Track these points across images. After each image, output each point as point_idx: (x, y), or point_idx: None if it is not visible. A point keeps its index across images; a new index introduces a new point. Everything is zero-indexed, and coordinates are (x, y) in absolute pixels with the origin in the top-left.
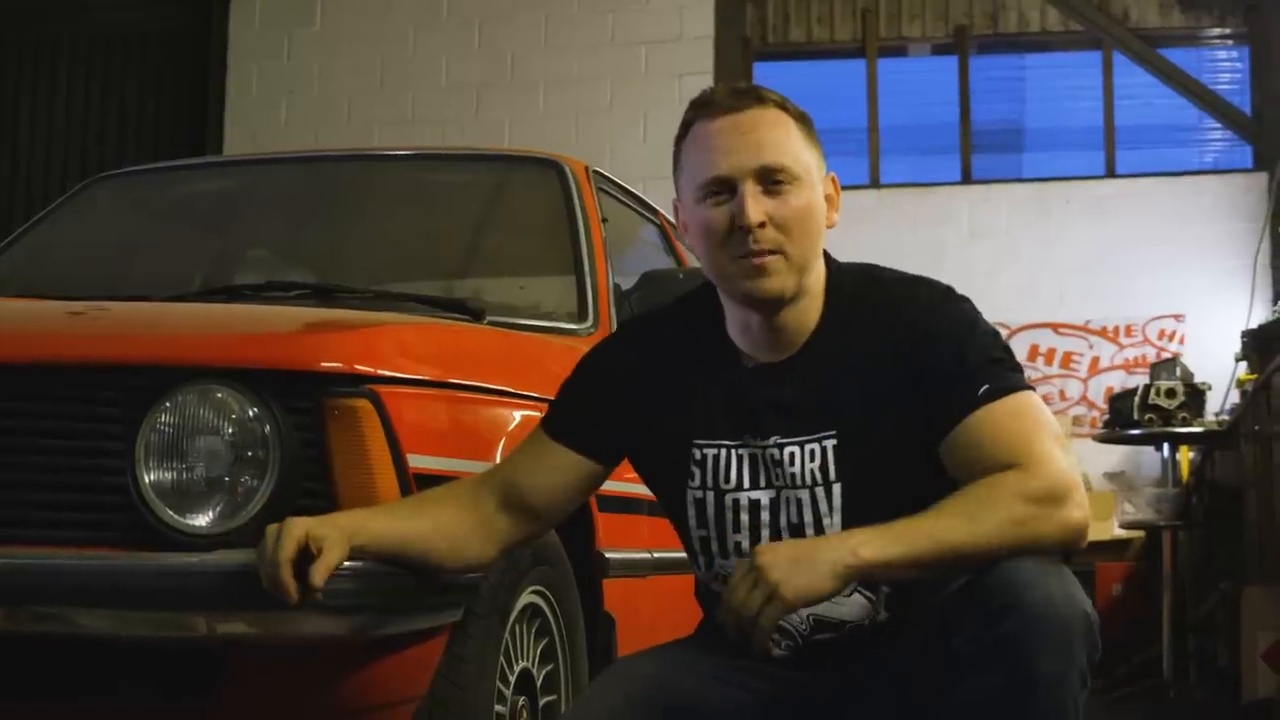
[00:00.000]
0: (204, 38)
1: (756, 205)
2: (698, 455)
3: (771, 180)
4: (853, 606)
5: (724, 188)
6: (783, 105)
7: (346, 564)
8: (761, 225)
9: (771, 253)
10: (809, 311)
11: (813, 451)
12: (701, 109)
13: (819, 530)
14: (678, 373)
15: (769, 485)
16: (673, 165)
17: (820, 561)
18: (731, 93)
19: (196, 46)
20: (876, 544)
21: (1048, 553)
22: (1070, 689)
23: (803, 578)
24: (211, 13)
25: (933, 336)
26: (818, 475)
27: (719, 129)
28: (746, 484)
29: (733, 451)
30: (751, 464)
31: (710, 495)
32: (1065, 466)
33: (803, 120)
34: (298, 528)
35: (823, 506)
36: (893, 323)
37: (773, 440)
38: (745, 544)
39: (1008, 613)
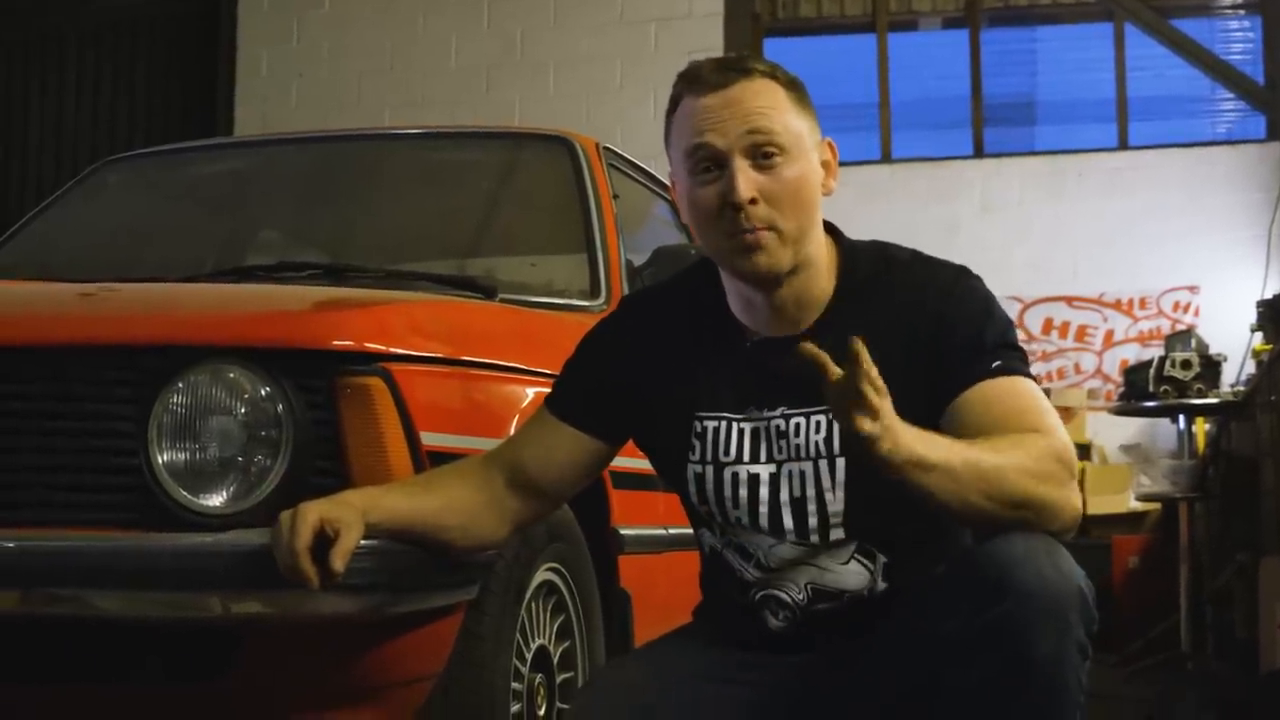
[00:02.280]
0: (213, 22)
1: (747, 181)
2: (699, 428)
3: (761, 154)
4: (851, 575)
5: (713, 163)
6: (770, 74)
7: (362, 542)
8: (753, 202)
9: (765, 229)
10: (814, 285)
11: (819, 423)
12: (689, 84)
13: (821, 505)
14: (681, 347)
15: (770, 459)
16: (664, 138)
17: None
18: (718, 67)
19: (205, 30)
20: (922, 444)
21: (1044, 530)
22: (1070, 665)
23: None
24: None
25: (949, 320)
26: (822, 447)
27: (705, 105)
28: (746, 457)
29: (734, 424)
30: (753, 437)
31: (709, 469)
32: (1074, 452)
33: (793, 86)
34: (311, 513)
35: (825, 480)
36: (908, 304)
37: (780, 411)
38: (745, 519)
39: (1000, 593)
